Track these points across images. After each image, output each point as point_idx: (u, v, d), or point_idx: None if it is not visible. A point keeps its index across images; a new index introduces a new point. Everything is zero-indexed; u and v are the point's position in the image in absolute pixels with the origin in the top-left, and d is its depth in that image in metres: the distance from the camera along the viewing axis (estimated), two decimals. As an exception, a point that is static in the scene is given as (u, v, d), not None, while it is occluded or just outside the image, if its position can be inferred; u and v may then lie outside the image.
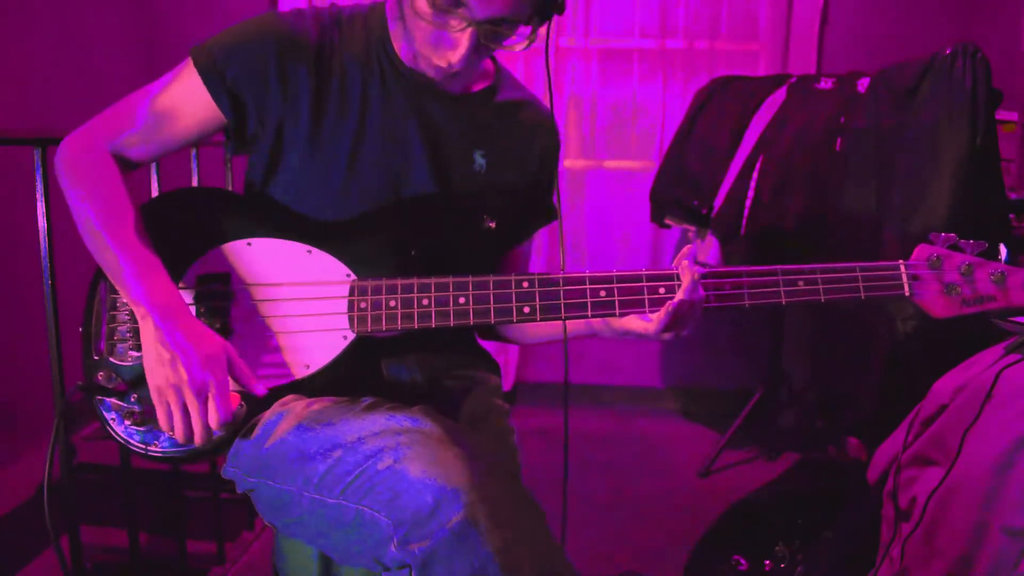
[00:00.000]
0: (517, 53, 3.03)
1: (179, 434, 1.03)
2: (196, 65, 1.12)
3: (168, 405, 1.02)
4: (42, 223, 1.44)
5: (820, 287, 1.10)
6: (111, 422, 1.12)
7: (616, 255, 3.23)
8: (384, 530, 0.94)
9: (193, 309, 1.12)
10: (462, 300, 1.09)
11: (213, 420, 1.02)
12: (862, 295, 1.11)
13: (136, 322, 1.08)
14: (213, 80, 1.12)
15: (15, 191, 1.94)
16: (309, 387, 1.12)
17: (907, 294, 1.11)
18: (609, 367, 3.31)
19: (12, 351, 2.37)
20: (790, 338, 2.80)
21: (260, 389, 1.07)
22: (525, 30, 1.10)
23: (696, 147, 2.66)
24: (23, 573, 1.89)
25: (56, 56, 2.60)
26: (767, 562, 1.87)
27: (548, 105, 1.31)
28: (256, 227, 1.14)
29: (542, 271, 1.11)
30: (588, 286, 1.09)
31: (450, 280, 1.09)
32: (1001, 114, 2.34)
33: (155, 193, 1.72)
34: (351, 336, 1.11)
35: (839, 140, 2.26)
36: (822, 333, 2.75)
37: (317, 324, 1.11)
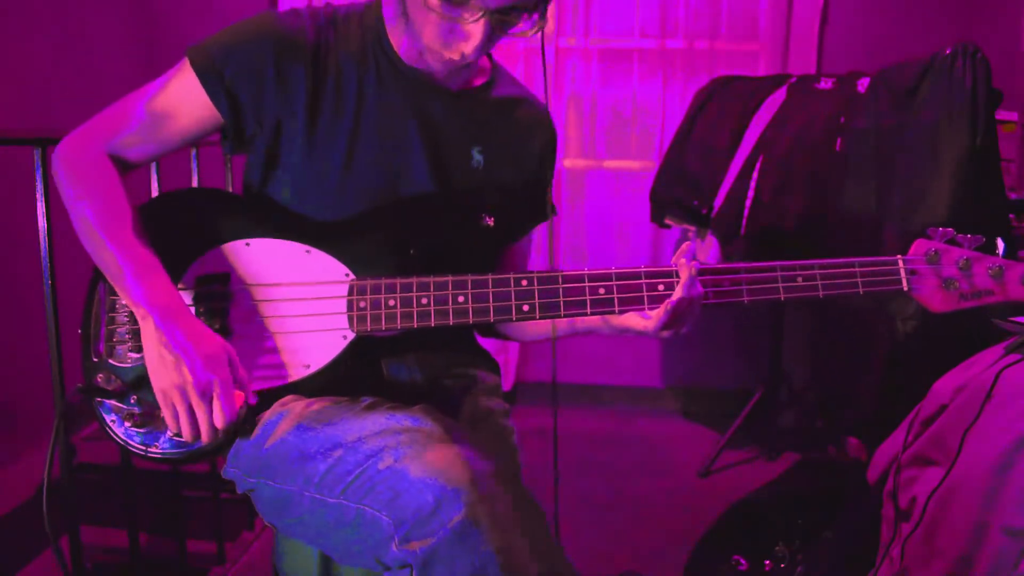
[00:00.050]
0: (517, 52, 3.03)
1: (187, 435, 1.04)
2: (193, 65, 1.12)
3: (174, 407, 1.02)
4: (42, 223, 1.44)
5: (818, 283, 1.10)
6: (111, 424, 1.12)
7: (616, 255, 3.24)
8: (385, 529, 0.94)
9: (192, 310, 1.12)
10: (461, 299, 1.09)
11: (219, 419, 1.02)
12: (860, 290, 1.11)
13: (135, 323, 1.09)
14: (210, 80, 1.12)
15: (15, 191, 1.94)
16: (309, 387, 1.12)
17: (905, 289, 1.11)
18: (609, 367, 3.31)
19: (12, 351, 2.37)
20: (790, 338, 2.80)
21: (252, 397, 1.07)
22: (534, 15, 1.10)
23: (696, 147, 2.66)
24: (23, 573, 1.89)
25: (56, 56, 2.60)
26: (767, 562, 1.87)
27: (544, 101, 1.31)
28: (254, 227, 1.14)
29: (542, 269, 1.11)
30: (587, 284, 1.09)
31: (449, 279, 1.09)
32: (1001, 114, 2.34)
33: (155, 193, 1.72)
34: (351, 336, 1.11)
35: (839, 140, 2.26)
36: (822, 333, 2.75)
37: (316, 324, 1.11)
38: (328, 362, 1.11)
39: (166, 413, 1.03)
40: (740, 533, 2.08)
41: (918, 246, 1.13)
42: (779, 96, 2.52)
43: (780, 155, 2.37)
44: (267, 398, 1.11)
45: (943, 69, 1.98)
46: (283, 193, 1.18)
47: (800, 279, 1.10)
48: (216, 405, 1.02)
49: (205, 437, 1.04)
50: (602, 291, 1.09)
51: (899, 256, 1.12)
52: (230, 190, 2.00)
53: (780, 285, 1.10)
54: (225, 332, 1.12)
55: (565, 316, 1.10)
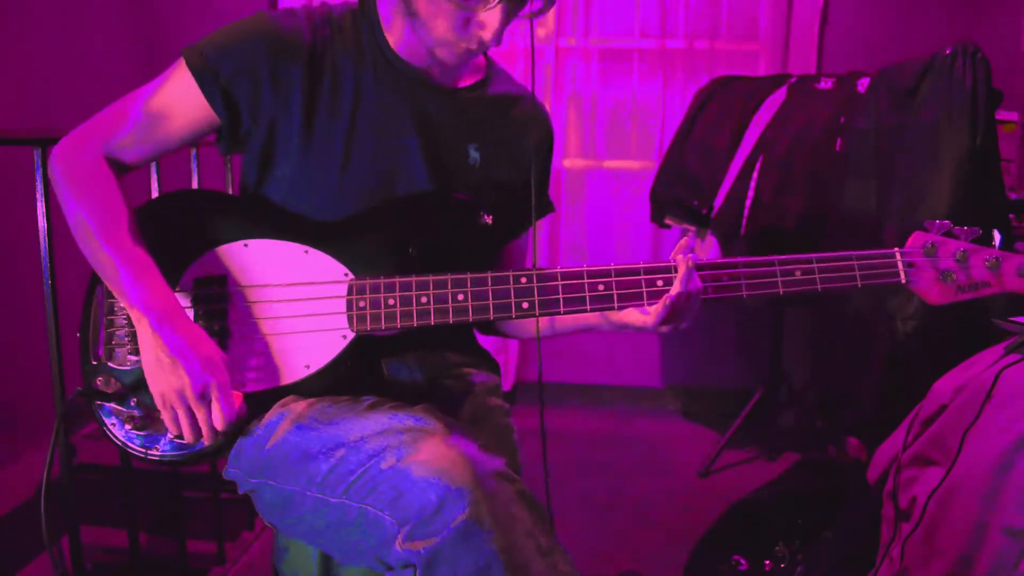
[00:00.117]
0: (517, 53, 3.03)
1: (188, 437, 1.04)
2: (189, 65, 1.12)
3: (173, 410, 1.03)
4: (42, 223, 1.44)
5: (816, 276, 1.11)
6: (111, 427, 1.12)
7: (616, 255, 3.24)
8: (388, 529, 0.94)
9: (191, 312, 1.12)
10: (461, 297, 1.09)
11: (219, 421, 1.03)
12: (858, 283, 1.11)
13: (133, 326, 1.09)
14: (206, 80, 1.12)
15: (15, 191, 1.93)
16: (309, 387, 1.12)
17: (903, 281, 1.12)
18: (609, 367, 3.31)
19: (12, 351, 2.36)
20: (790, 338, 2.80)
21: (243, 409, 1.07)
22: None
23: (696, 147, 2.65)
24: (23, 573, 1.89)
25: (56, 56, 2.60)
26: (767, 562, 1.87)
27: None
28: (252, 228, 1.14)
29: (542, 268, 1.11)
30: (586, 280, 1.09)
31: (448, 277, 1.09)
32: (1001, 114, 2.34)
33: (155, 194, 1.72)
34: (350, 335, 1.11)
35: (839, 140, 2.26)
36: (822, 333, 2.75)
37: (316, 324, 1.11)
38: (328, 362, 1.11)
39: (165, 416, 1.04)
40: (740, 533, 2.07)
41: (915, 239, 1.13)
42: (779, 96, 2.52)
43: (780, 155, 2.37)
44: (268, 399, 1.11)
45: (943, 69, 1.98)
46: (280, 193, 1.18)
47: (798, 273, 1.11)
48: (215, 407, 1.02)
49: (207, 439, 1.05)
50: (601, 287, 1.09)
51: (896, 249, 1.12)
52: (230, 191, 2.00)
53: (779, 279, 1.10)
54: (224, 334, 1.12)
55: (565, 313, 1.10)
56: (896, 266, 1.11)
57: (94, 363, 1.13)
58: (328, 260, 1.12)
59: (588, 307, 1.10)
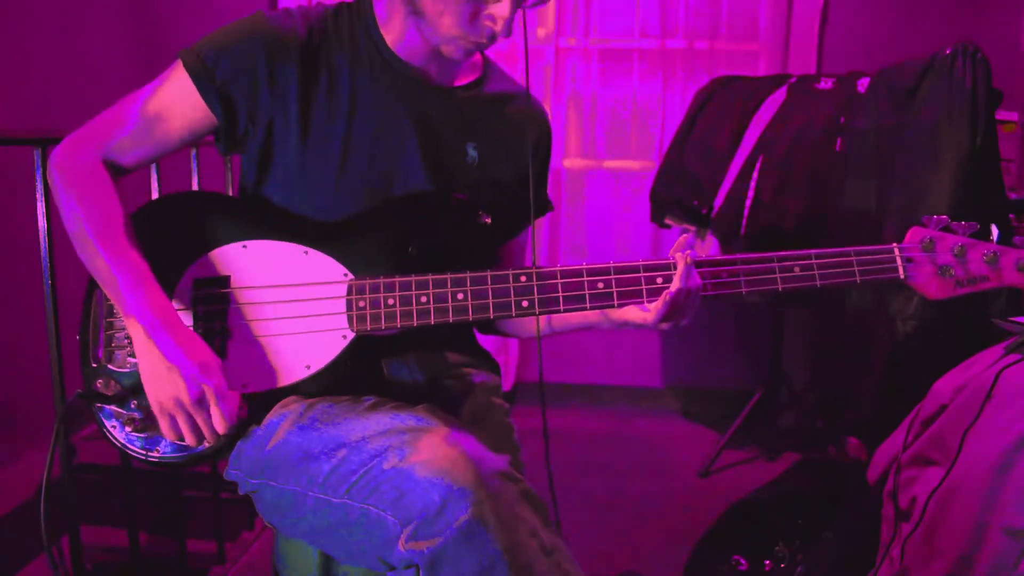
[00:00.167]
0: (517, 53, 3.03)
1: (189, 441, 1.05)
2: (186, 67, 1.12)
3: (172, 418, 1.03)
4: (42, 223, 1.44)
5: (816, 272, 1.11)
6: (111, 429, 1.12)
7: (616, 255, 3.23)
8: (391, 529, 0.94)
9: (191, 313, 1.12)
10: (460, 296, 1.09)
11: (219, 424, 1.03)
12: (857, 279, 1.11)
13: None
14: (203, 81, 1.12)
15: (15, 191, 1.93)
16: (310, 388, 1.12)
17: (901, 276, 1.12)
18: (609, 367, 3.31)
19: (12, 351, 2.36)
20: (790, 338, 2.80)
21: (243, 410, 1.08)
22: None
23: (696, 147, 2.65)
24: (23, 573, 1.89)
25: (56, 56, 2.60)
26: (767, 562, 1.87)
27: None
28: (251, 229, 1.14)
29: (544, 266, 1.11)
30: (586, 278, 1.10)
31: (448, 276, 1.09)
32: (1001, 114, 2.34)
33: (155, 195, 1.72)
34: (350, 335, 1.11)
35: (839, 140, 2.26)
36: (822, 333, 2.75)
37: (316, 324, 1.11)
38: (328, 362, 1.11)
39: (163, 424, 1.03)
40: (740, 533, 2.07)
41: (913, 234, 1.13)
42: (779, 96, 2.52)
43: (780, 155, 2.37)
44: (268, 399, 1.11)
45: (943, 69, 1.98)
46: (279, 194, 1.18)
47: (797, 269, 1.11)
48: (214, 411, 1.02)
49: (209, 441, 1.05)
50: (601, 285, 1.10)
51: (895, 244, 1.13)
52: (230, 191, 2.00)
53: (777, 276, 1.11)
54: (224, 335, 1.12)
55: (565, 311, 1.10)
56: (895, 261, 1.12)
57: (94, 365, 1.13)
58: (327, 260, 1.12)
59: (588, 305, 1.10)
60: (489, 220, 1.20)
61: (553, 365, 3.27)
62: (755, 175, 2.40)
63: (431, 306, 1.09)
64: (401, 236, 1.14)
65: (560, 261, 3.26)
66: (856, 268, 1.11)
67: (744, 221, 2.40)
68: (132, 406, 1.11)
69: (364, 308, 1.10)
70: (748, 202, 2.40)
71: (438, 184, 1.20)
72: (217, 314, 1.12)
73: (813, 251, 1.11)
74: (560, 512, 1.09)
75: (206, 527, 1.99)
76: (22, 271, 2.12)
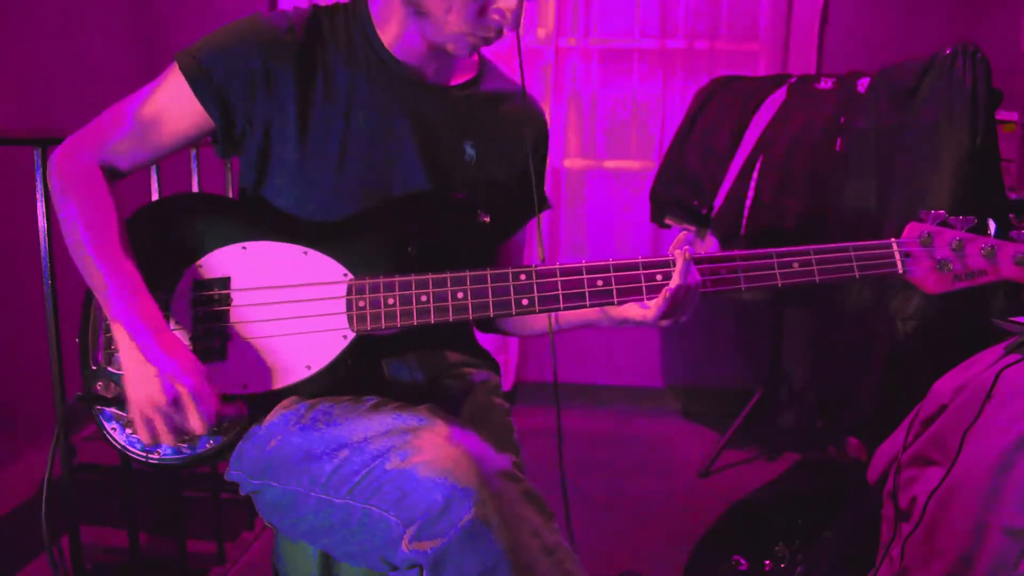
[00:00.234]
0: (515, 53, 3.03)
1: (167, 443, 1.04)
2: (182, 70, 1.12)
3: (151, 421, 1.01)
4: (42, 223, 1.44)
5: (815, 268, 1.11)
6: (111, 431, 1.12)
7: (616, 255, 3.22)
8: (393, 529, 0.94)
9: (191, 314, 1.12)
10: (460, 295, 1.09)
11: (197, 425, 1.01)
12: (856, 274, 1.11)
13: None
14: (200, 84, 1.12)
15: (15, 191, 1.93)
16: (311, 388, 1.12)
17: (900, 271, 1.12)
18: (609, 367, 3.31)
19: (12, 351, 2.36)
20: (790, 338, 2.80)
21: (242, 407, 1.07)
22: None
23: (696, 147, 2.65)
24: (23, 573, 1.89)
25: (56, 56, 2.60)
26: (767, 562, 1.87)
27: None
28: (250, 230, 1.14)
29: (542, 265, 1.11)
30: (585, 276, 1.10)
31: (447, 275, 1.09)
32: (1001, 114, 2.34)
33: (155, 195, 1.73)
34: (351, 335, 1.11)
35: (839, 140, 2.26)
36: (822, 333, 2.75)
37: (316, 325, 1.11)
38: (329, 362, 1.11)
39: (140, 427, 1.02)
40: (740, 533, 2.07)
41: (911, 229, 1.13)
42: (779, 96, 2.52)
43: (780, 155, 2.37)
44: (269, 400, 1.11)
45: (943, 69, 1.98)
46: (278, 195, 1.18)
47: (796, 265, 1.11)
48: (191, 412, 1.00)
49: (187, 445, 1.05)
50: (600, 283, 1.10)
51: (893, 239, 1.13)
52: (230, 192, 2.00)
53: (776, 271, 1.11)
54: (225, 336, 1.12)
55: (564, 309, 1.10)
56: (893, 256, 1.12)
57: (93, 368, 1.13)
58: (327, 261, 1.12)
59: (588, 303, 1.10)
60: (488, 219, 1.20)
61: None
62: (755, 175, 2.40)
63: (431, 305, 1.09)
64: (400, 236, 1.14)
65: (560, 261, 3.25)
66: (855, 263, 1.12)
67: (744, 221, 2.40)
68: (132, 408, 1.11)
69: (364, 308, 1.10)
70: (748, 202, 2.40)
71: (436, 183, 1.20)
72: (217, 315, 1.12)
73: (812, 247, 1.12)
74: (560, 512, 1.09)
75: (206, 527, 1.99)
76: (22, 271, 2.12)
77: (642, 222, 3.04)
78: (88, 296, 1.16)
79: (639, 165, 3.20)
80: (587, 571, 1.02)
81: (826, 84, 2.43)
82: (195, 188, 1.94)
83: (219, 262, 1.13)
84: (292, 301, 1.12)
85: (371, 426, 1.01)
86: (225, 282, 1.13)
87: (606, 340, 3.28)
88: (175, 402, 1.00)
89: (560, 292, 1.10)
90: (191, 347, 1.11)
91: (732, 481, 2.54)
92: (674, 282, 1.06)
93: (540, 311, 1.10)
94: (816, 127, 2.33)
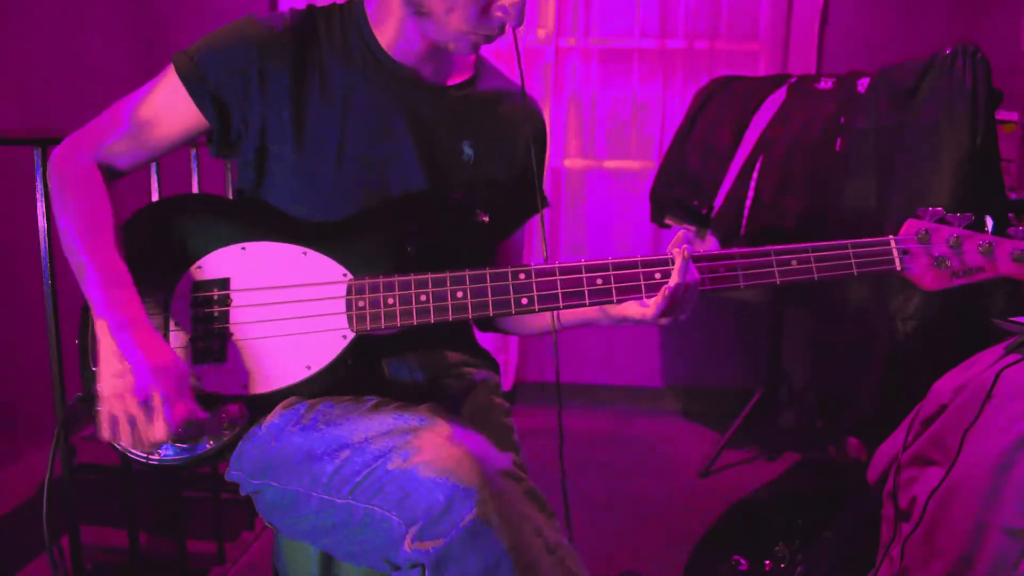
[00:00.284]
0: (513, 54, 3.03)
1: (126, 441, 1.00)
2: (177, 71, 1.13)
3: (115, 419, 1.00)
4: (42, 223, 1.44)
5: (813, 265, 1.11)
6: None
7: (616, 255, 3.22)
8: (395, 529, 0.94)
9: (191, 315, 1.12)
10: (460, 294, 1.09)
11: (159, 431, 0.99)
12: (854, 271, 1.12)
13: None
14: (195, 85, 1.13)
15: (15, 191, 1.94)
16: (311, 388, 1.12)
17: (898, 268, 1.12)
18: (609, 367, 3.31)
19: (12, 351, 2.37)
20: (790, 338, 2.80)
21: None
22: None
23: (696, 147, 2.65)
24: (23, 573, 1.89)
25: (56, 56, 2.60)
26: (767, 562, 1.87)
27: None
28: (249, 231, 1.14)
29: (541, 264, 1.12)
30: (584, 275, 1.10)
31: (447, 275, 1.09)
32: (1001, 114, 2.34)
33: (155, 195, 1.73)
34: (350, 335, 1.11)
35: (839, 140, 2.26)
36: (822, 333, 2.75)
37: (316, 325, 1.11)
38: (329, 362, 1.11)
39: (104, 420, 1.00)
40: (740, 533, 2.08)
41: (909, 226, 1.14)
42: (779, 96, 2.52)
43: (780, 155, 2.37)
44: (269, 400, 1.11)
45: (943, 69, 1.98)
46: (276, 196, 1.18)
47: (794, 262, 1.11)
48: (158, 416, 0.99)
49: (147, 447, 1.02)
50: (599, 281, 1.10)
51: (891, 236, 1.13)
52: (231, 192, 2.00)
53: (775, 269, 1.11)
54: (225, 336, 1.12)
55: (564, 308, 1.10)
56: (891, 253, 1.12)
57: (94, 369, 1.13)
58: (326, 261, 1.12)
59: (587, 301, 1.10)
60: (487, 218, 1.20)
61: (553, 365, 3.27)
62: (755, 175, 2.40)
63: (431, 305, 1.09)
64: (399, 236, 1.14)
65: (560, 261, 3.25)
66: (853, 261, 1.12)
67: (744, 221, 2.40)
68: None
69: (364, 308, 1.10)
70: (748, 202, 2.40)
71: (435, 183, 1.20)
72: (217, 316, 1.12)
73: (810, 244, 1.12)
74: (560, 512, 1.09)
75: (206, 527, 1.99)
76: (22, 271, 2.12)
77: (642, 222, 3.04)
78: None
79: (639, 165, 3.20)
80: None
81: (826, 84, 2.43)
82: (195, 188, 1.94)
83: (218, 263, 1.14)
84: (292, 301, 1.12)
85: (372, 426, 1.01)
86: (225, 283, 1.13)
87: (606, 340, 3.28)
88: (145, 404, 0.98)
89: (559, 291, 1.10)
90: (191, 348, 1.11)
91: (732, 481, 2.54)
92: (673, 280, 1.06)
93: (539, 310, 1.10)
94: (816, 127, 2.33)
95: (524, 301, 1.09)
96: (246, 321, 1.12)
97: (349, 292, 1.11)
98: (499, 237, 1.34)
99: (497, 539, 0.90)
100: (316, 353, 1.11)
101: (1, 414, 2.39)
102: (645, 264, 1.10)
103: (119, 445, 1.08)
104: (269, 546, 2.01)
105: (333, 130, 1.16)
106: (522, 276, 1.10)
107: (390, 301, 1.10)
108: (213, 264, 1.14)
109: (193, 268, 1.13)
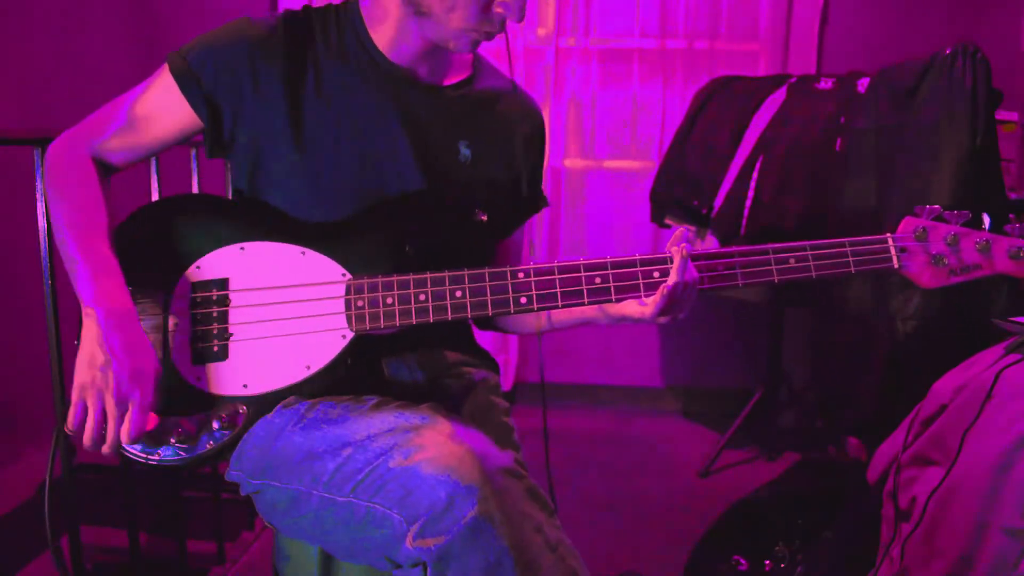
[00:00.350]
0: (516, 53, 3.03)
1: (87, 436, 1.01)
2: (171, 70, 1.14)
3: (86, 405, 1.00)
4: (42, 223, 1.44)
5: (811, 263, 1.12)
6: None
7: (616, 255, 3.23)
8: (397, 527, 0.94)
9: (190, 315, 1.12)
10: (459, 294, 1.09)
11: (124, 434, 1.00)
12: (852, 269, 1.12)
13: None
14: (188, 85, 1.13)
15: (15, 191, 1.94)
16: (310, 388, 1.11)
17: (895, 266, 1.13)
18: (609, 367, 3.31)
19: (12, 351, 2.37)
20: (790, 338, 2.80)
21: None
22: None
23: (696, 147, 2.66)
24: (23, 573, 1.89)
25: (56, 56, 2.60)
26: (767, 562, 1.87)
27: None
28: (248, 231, 1.14)
29: (542, 263, 1.12)
30: (583, 273, 1.10)
31: (446, 274, 1.09)
32: (1001, 114, 2.34)
33: (155, 195, 1.73)
34: (350, 335, 1.11)
35: (839, 140, 2.26)
36: (822, 333, 2.75)
37: (315, 325, 1.11)
38: (328, 362, 1.11)
39: (74, 408, 1.01)
40: (740, 533, 2.07)
41: (906, 224, 1.14)
42: (779, 96, 2.52)
43: (780, 155, 2.37)
44: (269, 400, 1.11)
45: (943, 69, 1.98)
46: (274, 196, 1.18)
47: (792, 260, 1.11)
48: (127, 419, 1.00)
49: (107, 447, 1.02)
50: (598, 280, 1.10)
51: (888, 234, 1.14)
52: (231, 192, 2.00)
53: (773, 267, 1.11)
54: (224, 336, 1.12)
55: (563, 307, 1.10)
56: (888, 251, 1.13)
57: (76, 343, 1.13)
58: (325, 261, 1.13)
59: (586, 300, 1.10)
60: (485, 218, 1.20)
61: (553, 365, 3.27)
62: (755, 175, 2.40)
63: (429, 304, 1.09)
64: (398, 235, 1.14)
65: (559, 260, 3.25)
66: (851, 259, 1.12)
67: (744, 221, 2.40)
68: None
69: (363, 308, 1.10)
70: (748, 202, 2.40)
71: (432, 183, 1.20)
72: (216, 316, 1.12)
73: (808, 243, 1.12)
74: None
75: (206, 527, 1.99)
76: (22, 271, 2.12)
77: (642, 222, 3.05)
78: None
79: (639, 165, 3.20)
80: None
81: (826, 84, 2.43)
82: (195, 188, 1.94)
83: (217, 263, 1.14)
84: (291, 301, 1.12)
85: (373, 424, 1.02)
86: (224, 283, 1.13)
87: (606, 340, 3.28)
88: (120, 403, 0.99)
89: (558, 290, 1.10)
90: (190, 348, 1.11)
91: (732, 481, 2.54)
92: (672, 279, 1.06)
93: (538, 309, 1.10)
94: (816, 127, 2.33)
95: (523, 300, 1.09)
96: (245, 321, 1.12)
97: (348, 292, 1.11)
98: (498, 237, 1.34)
99: (498, 536, 0.91)
100: (315, 353, 1.11)
101: (1, 414, 2.39)
102: (644, 263, 1.10)
103: (76, 436, 1.07)
104: (269, 546, 2.01)
105: (329, 131, 1.16)
106: (521, 275, 1.10)
107: (389, 301, 1.10)
108: (212, 264, 1.14)
109: (192, 268, 1.14)
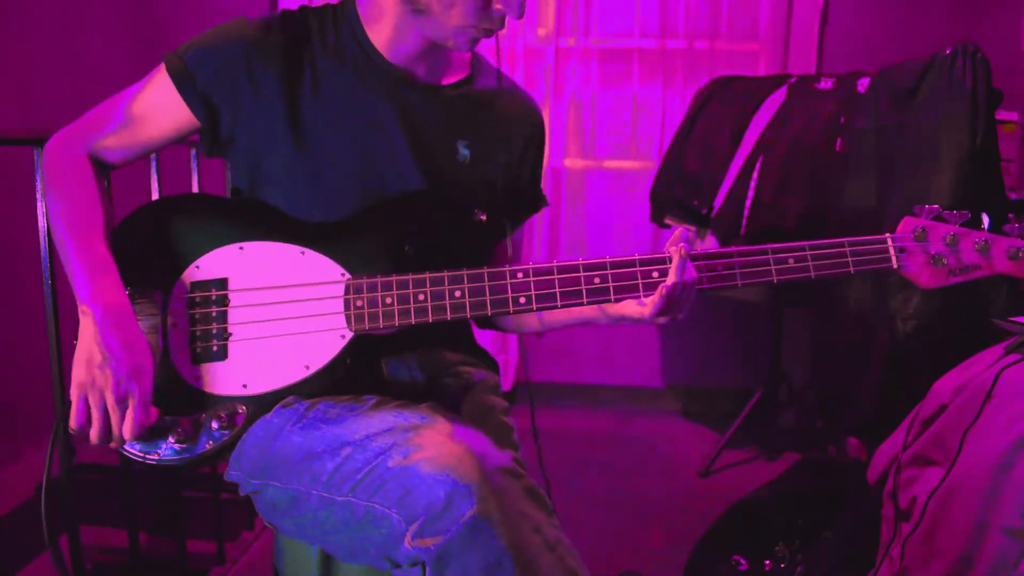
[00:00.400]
0: (517, 53, 3.03)
1: (95, 434, 1.02)
2: (168, 70, 1.14)
3: (87, 404, 1.01)
4: (42, 223, 1.44)
5: (810, 263, 1.12)
6: None
7: (616, 255, 3.23)
8: (396, 527, 0.94)
9: (189, 315, 1.12)
10: (458, 293, 1.09)
11: (128, 430, 1.02)
12: (851, 269, 1.12)
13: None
14: (184, 85, 1.13)
15: (15, 191, 1.94)
16: (310, 388, 1.12)
17: (894, 266, 1.13)
18: (609, 367, 3.31)
19: (12, 351, 2.36)
20: (790, 338, 2.80)
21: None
22: None
23: (696, 147, 2.66)
24: (23, 573, 1.89)
25: (56, 56, 2.60)
26: (767, 562, 1.87)
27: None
28: (247, 231, 1.14)
29: (541, 263, 1.11)
30: (582, 273, 1.10)
31: (445, 274, 1.09)
32: (1001, 114, 2.34)
33: (155, 194, 1.73)
34: (349, 335, 1.11)
35: (839, 140, 2.26)
36: (822, 333, 2.75)
37: (315, 325, 1.11)
38: (327, 362, 1.11)
39: (76, 408, 1.02)
40: (740, 533, 2.07)
41: (906, 224, 1.14)
42: (779, 96, 2.52)
43: (780, 155, 2.37)
44: (268, 400, 1.11)
45: (943, 69, 1.98)
46: (273, 195, 1.18)
47: (791, 260, 1.11)
48: (129, 415, 1.01)
49: (114, 443, 1.04)
50: (597, 280, 1.10)
51: (887, 234, 1.14)
52: (229, 192, 2.00)
53: (772, 268, 1.11)
54: (223, 336, 1.12)
55: (562, 307, 1.10)
56: (888, 251, 1.13)
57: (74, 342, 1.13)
58: (324, 261, 1.12)
59: (585, 300, 1.10)
60: (484, 218, 1.20)
61: (553, 365, 3.27)
62: (755, 175, 2.40)
63: (429, 304, 1.09)
64: (397, 235, 1.14)
65: (559, 260, 3.25)
66: (850, 259, 1.12)
67: (744, 221, 2.40)
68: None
69: (362, 307, 1.10)
70: (748, 202, 2.40)
71: (431, 183, 1.20)
72: (215, 316, 1.12)
73: (807, 243, 1.12)
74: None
75: (206, 527, 1.99)
76: (22, 271, 2.12)
77: (642, 222, 3.05)
78: None
79: (639, 165, 3.20)
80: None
81: (826, 84, 2.43)
82: (195, 188, 1.94)
83: (217, 263, 1.14)
84: (290, 301, 1.12)
85: (372, 424, 1.02)
86: (223, 283, 1.13)
87: (605, 340, 3.28)
88: (121, 401, 1.01)
89: (557, 290, 1.10)
90: (190, 348, 1.11)
91: (732, 481, 2.54)
92: (670, 279, 1.06)
93: (537, 309, 1.10)
94: (816, 127, 2.33)
95: (522, 300, 1.09)
96: (244, 321, 1.12)
97: (347, 292, 1.11)
98: (497, 236, 1.34)
99: (497, 536, 0.90)
100: (315, 353, 1.11)
101: (1, 414, 2.38)
102: (643, 263, 1.10)
103: (83, 436, 1.08)
104: (269, 546, 2.01)
105: (328, 130, 1.16)
106: (520, 275, 1.10)
107: (388, 301, 1.10)
108: (211, 264, 1.14)
109: (191, 268, 1.13)
